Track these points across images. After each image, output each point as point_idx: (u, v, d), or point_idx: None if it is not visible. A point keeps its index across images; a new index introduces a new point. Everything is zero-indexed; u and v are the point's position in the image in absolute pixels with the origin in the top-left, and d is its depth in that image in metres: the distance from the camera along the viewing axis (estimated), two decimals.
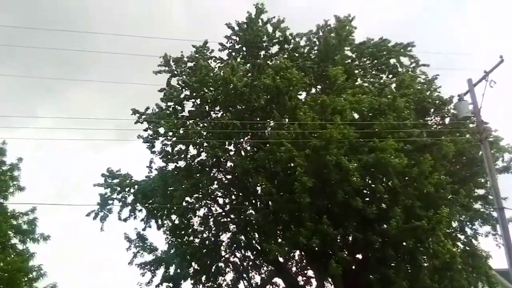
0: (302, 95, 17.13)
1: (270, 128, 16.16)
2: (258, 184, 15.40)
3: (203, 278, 17.98)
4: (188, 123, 16.66)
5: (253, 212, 16.62)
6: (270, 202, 15.79)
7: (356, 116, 15.82)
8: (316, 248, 14.32)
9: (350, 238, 15.63)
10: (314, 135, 14.65)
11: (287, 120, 15.60)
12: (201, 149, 16.77)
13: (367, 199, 15.37)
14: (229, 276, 18.54)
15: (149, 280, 17.05)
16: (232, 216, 17.43)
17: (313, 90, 17.93)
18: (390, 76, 18.40)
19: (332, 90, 16.04)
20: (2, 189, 20.01)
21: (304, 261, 17.82)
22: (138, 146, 18.53)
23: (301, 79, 15.79)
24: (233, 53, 17.90)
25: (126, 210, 17.14)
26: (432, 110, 17.23)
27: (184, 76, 16.81)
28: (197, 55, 16.94)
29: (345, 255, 14.74)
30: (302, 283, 18.19)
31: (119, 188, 16.82)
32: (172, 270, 17.20)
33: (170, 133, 16.72)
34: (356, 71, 18.10)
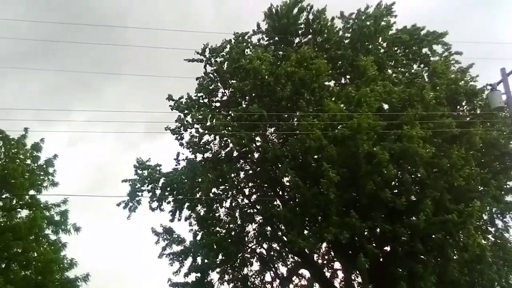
0: (331, 83, 16.64)
1: (296, 119, 15.72)
2: (286, 175, 15.04)
3: (229, 268, 17.86)
4: (217, 113, 16.40)
5: (280, 204, 16.30)
6: (297, 194, 15.43)
7: (386, 106, 15.30)
8: (344, 241, 14.00)
9: (378, 231, 15.18)
10: (341, 125, 14.22)
11: (314, 110, 15.14)
12: (228, 140, 16.51)
13: (395, 191, 14.90)
14: (255, 267, 18.37)
15: (177, 270, 17.02)
16: (258, 207, 17.26)
17: (343, 80, 17.35)
18: (422, 65, 17.72)
19: (362, 81, 15.52)
20: (36, 183, 20.50)
21: (331, 253, 17.41)
22: (169, 143, 18.55)
23: (326, 70, 15.32)
24: (265, 42, 17.65)
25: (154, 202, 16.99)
26: (463, 100, 16.49)
27: (217, 66, 16.49)
28: (233, 45, 16.58)
29: (374, 248, 14.24)
30: (328, 275, 17.75)
31: (148, 180, 16.69)
32: (199, 260, 17.10)
33: (199, 125, 16.47)
34: (387, 61, 17.47)
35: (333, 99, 15.29)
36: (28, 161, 20.97)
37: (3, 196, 20.41)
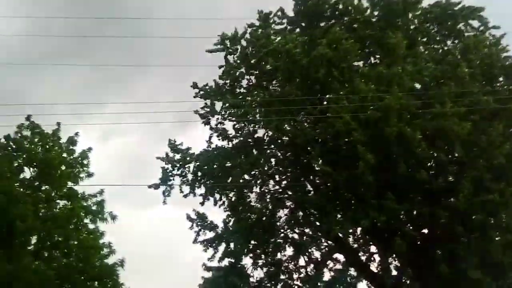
0: (360, 64, 16.15)
1: (326, 103, 15.36)
2: (316, 162, 14.76)
3: (262, 253, 17.85)
4: (246, 98, 16.27)
5: (311, 189, 16.05)
6: (328, 180, 15.16)
7: (418, 85, 14.72)
8: (380, 225, 13.66)
9: (415, 213, 14.74)
10: (372, 107, 13.78)
11: (345, 92, 14.71)
12: (258, 126, 16.36)
13: (432, 172, 14.38)
14: (289, 252, 18.29)
15: (212, 256, 17.11)
16: (289, 192, 17.04)
17: (372, 60, 16.83)
18: (456, 41, 16.93)
19: (392, 60, 14.98)
20: (73, 175, 21.16)
21: (367, 237, 17.06)
22: (199, 134, 18.62)
23: (355, 51, 14.86)
24: (290, 27, 17.32)
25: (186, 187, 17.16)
26: (501, 75, 15.68)
27: (240, 52, 16.28)
28: (259, 27, 16.40)
29: (410, 230, 13.84)
30: (364, 259, 17.44)
31: (179, 164, 16.79)
32: (232, 246, 17.17)
33: (226, 111, 16.34)
34: (419, 38, 16.78)
35: (363, 80, 14.80)
36: (64, 154, 21.68)
37: (43, 188, 21.20)
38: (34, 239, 20.47)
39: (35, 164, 21.01)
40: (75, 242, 20.30)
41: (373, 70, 15.50)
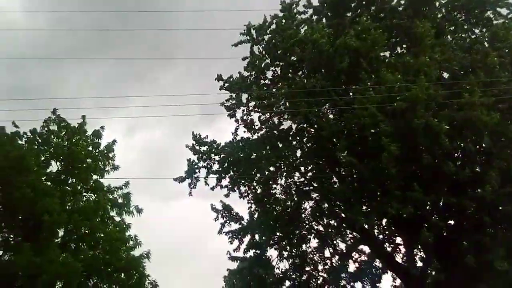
0: (386, 54, 16.08)
1: (352, 93, 15.35)
2: (342, 154, 14.81)
3: (287, 245, 18.06)
4: (271, 90, 16.31)
5: (337, 181, 16.11)
6: (354, 171, 15.19)
7: (446, 75, 14.64)
8: (404, 215, 13.68)
9: (441, 204, 14.72)
10: (398, 97, 13.75)
11: (372, 82, 14.70)
12: (283, 117, 16.44)
13: (459, 162, 14.32)
14: (314, 243, 18.48)
15: (237, 247, 17.38)
16: (314, 184, 17.11)
17: (399, 49, 16.73)
18: (484, 30, 16.75)
19: (419, 49, 14.90)
20: (99, 168, 21.56)
21: (392, 228, 17.10)
22: (224, 127, 18.73)
23: (383, 40, 14.81)
24: (316, 17, 17.27)
25: (212, 178, 17.39)
26: None
27: (266, 43, 16.31)
28: (284, 18, 16.39)
29: (437, 221, 13.90)
30: (389, 250, 17.49)
31: (205, 156, 16.97)
32: (257, 237, 17.38)
33: (252, 103, 16.45)
34: (446, 27, 16.62)
35: (390, 70, 14.73)
36: (90, 148, 22.10)
37: (70, 181, 21.65)
38: (61, 232, 20.99)
39: (61, 158, 21.49)
40: (102, 235, 20.71)
41: (400, 60, 15.44)
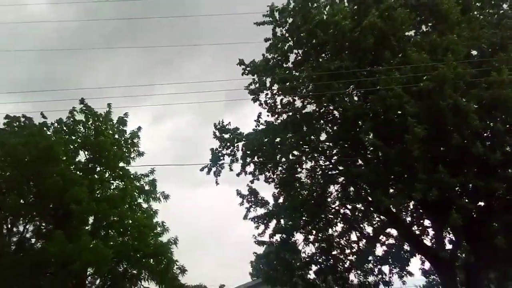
0: (411, 33, 15.85)
1: (377, 75, 15.18)
2: (367, 136, 14.76)
3: (313, 229, 18.19)
4: (294, 73, 16.27)
5: (362, 164, 16.07)
6: (379, 154, 15.13)
7: (474, 53, 14.37)
8: (433, 198, 13.61)
9: (471, 186, 14.57)
10: (425, 77, 13.58)
11: (397, 62, 14.53)
12: (307, 100, 16.43)
13: (488, 142, 14.12)
14: (340, 227, 18.48)
15: (262, 232, 17.62)
16: (340, 168, 17.15)
17: (424, 28, 16.43)
18: None
19: (445, 27, 14.66)
20: (125, 155, 22.11)
21: (420, 210, 17.04)
22: (249, 113, 18.82)
23: (408, 19, 14.59)
24: None
25: (237, 165, 17.54)
26: None
27: (289, 25, 16.28)
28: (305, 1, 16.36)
29: (465, 203, 13.74)
30: (417, 233, 17.47)
31: (228, 143, 17.17)
32: (283, 222, 17.56)
33: (275, 86, 16.47)
34: (473, 3, 16.26)
35: (415, 50, 14.51)
36: (116, 136, 22.65)
37: (97, 170, 22.27)
38: (90, 220, 21.70)
39: (88, 147, 22.10)
40: (130, 221, 21.35)
41: (426, 39, 15.22)
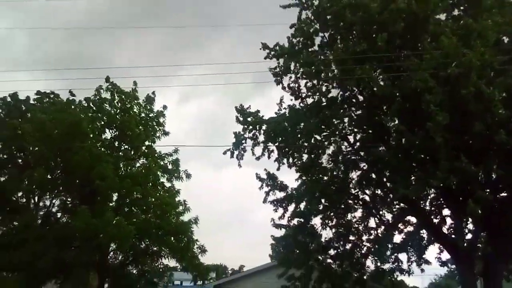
0: (443, 17, 15.91)
1: (404, 59, 15.39)
2: (392, 120, 15.05)
3: (332, 214, 18.63)
4: (319, 56, 16.53)
5: (385, 150, 16.39)
6: (402, 140, 15.43)
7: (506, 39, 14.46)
8: (454, 187, 13.89)
9: (494, 176, 14.82)
10: (454, 63, 13.73)
11: (426, 47, 14.65)
12: (331, 85, 16.72)
13: None
14: (359, 213, 18.93)
15: (281, 215, 18.18)
16: (362, 153, 17.50)
17: (456, 12, 16.46)
18: None
19: (477, 11, 14.74)
20: (150, 134, 23.09)
21: (440, 199, 17.36)
22: (276, 96, 19.08)
23: (445, 4, 14.72)
24: None
25: (258, 148, 17.97)
26: None
27: (315, 8, 16.53)
28: None
29: (486, 194, 14.02)
30: (436, 221, 17.81)
31: (251, 127, 17.62)
32: (302, 206, 18.05)
33: (300, 69, 16.77)
34: None
35: (445, 34, 14.55)
36: (142, 114, 23.55)
37: (123, 148, 23.26)
38: (115, 197, 22.76)
39: (114, 125, 23.08)
40: (153, 199, 22.33)
41: (458, 23, 15.31)
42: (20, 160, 24.83)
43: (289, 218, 18.66)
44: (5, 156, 24.65)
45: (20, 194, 24.07)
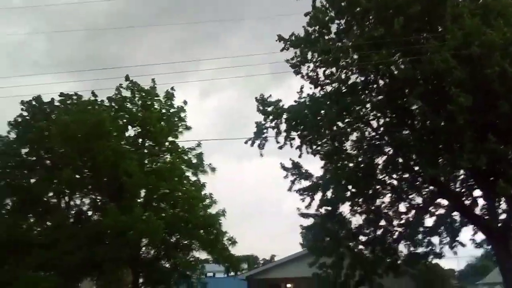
0: None
1: (424, 41, 15.09)
2: (415, 103, 14.83)
3: (360, 201, 18.53)
4: (336, 44, 16.36)
5: (409, 133, 16.19)
6: (427, 122, 15.21)
7: None
8: (484, 167, 13.66)
9: None
10: (476, 43, 13.41)
11: (446, 27, 14.35)
12: (350, 71, 16.55)
13: None
14: (388, 198, 18.77)
15: (308, 204, 18.15)
16: (386, 138, 17.32)
17: None
18: None
19: None
20: (173, 129, 23.36)
21: (471, 180, 17.06)
22: (295, 86, 18.92)
23: None
24: None
25: (280, 138, 17.91)
26: None
27: None
28: None
29: None
30: (468, 203, 17.52)
31: (272, 117, 17.59)
32: (329, 194, 18.02)
33: (317, 58, 16.63)
34: None
35: (465, 14, 14.21)
36: (163, 111, 23.82)
37: (146, 144, 23.64)
38: (142, 193, 23.18)
39: (136, 122, 23.44)
40: (179, 194, 22.67)
41: (474, 3, 14.92)
42: (48, 162, 25.50)
43: (318, 206, 18.67)
44: (33, 158, 25.35)
45: (50, 194, 24.75)
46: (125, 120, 23.59)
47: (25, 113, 25.53)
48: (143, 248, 23.97)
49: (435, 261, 21.70)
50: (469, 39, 13.78)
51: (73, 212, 25.39)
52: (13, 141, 24.90)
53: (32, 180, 24.84)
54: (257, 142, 18.02)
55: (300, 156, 18.31)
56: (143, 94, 23.34)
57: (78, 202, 25.22)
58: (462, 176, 17.62)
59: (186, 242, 23.47)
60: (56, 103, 25.61)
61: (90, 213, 25.40)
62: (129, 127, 23.80)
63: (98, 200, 24.77)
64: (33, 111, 25.71)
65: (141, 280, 24.62)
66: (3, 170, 24.43)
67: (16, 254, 22.22)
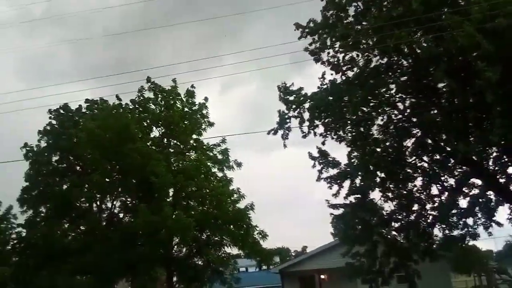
0: None
1: (445, 16, 14.72)
2: (442, 80, 14.52)
3: (391, 186, 18.25)
4: (355, 27, 16.17)
5: (437, 112, 15.84)
6: (455, 100, 14.88)
7: None
8: None
9: None
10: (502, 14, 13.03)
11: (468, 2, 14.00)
12: (372, 54, 16.30)
13: None
14: (419, 182, 18.37)
15: (336, 192, 17.96)
16: (414, 119, 16.99)
17: None
18: None
19: None
20: (196, 127, 23.64)
21: (504, 157, 16.60)
22: (318, 70, 18.74)
23: None
24: None
25: (304, 127, 17.79)
26: None
27: None
28: None
29: None
30: (503, 181, 17.05)
31: (294, 106, 17.46)
32: (357, 181, 17.80)
33: (336, 43, 16.43)
34: None
35: None
36: (186, 109, 24.10)
37: (172, 144, 23.96)
38: (171, 192, 23.54)
39: (160, 123, 23.81)
40: (207, 191, 22.90)
41: None
42: (78, 168, 26.17)
43: (346, 195, 18.45)
44: (64, 165, 26.05)
45: (82, 199, 25.39)
46: (149, 121, 24.00)
47: (53, 122, 26.27)
48: (175, 246, 24.37)
49: (471, 243, 21.23)
50: (494, 11, 13.43)
51: (105, 215, 26.03)
52: (44, 150, 25.70)
53: (64, 187, 25.57)
54: (280, 132, 17.86)
55: (323, 143, 18.21)
56: (165, 95, 23.67)
57: (109, 205, 25.87)
58: (494, 154, 17.16)
59: (217, 238, 23.71)
60: (83, 110, 26.30)
61: (121, 215, 26.00)
62: (153, 128, 24.23)
63: (128, 202, 25.31)
64: (61, 119, 26.46)
65: (175, 279, 25.00)
66: (36, 178, 25.20)
67: (53, 260, 22.91)
